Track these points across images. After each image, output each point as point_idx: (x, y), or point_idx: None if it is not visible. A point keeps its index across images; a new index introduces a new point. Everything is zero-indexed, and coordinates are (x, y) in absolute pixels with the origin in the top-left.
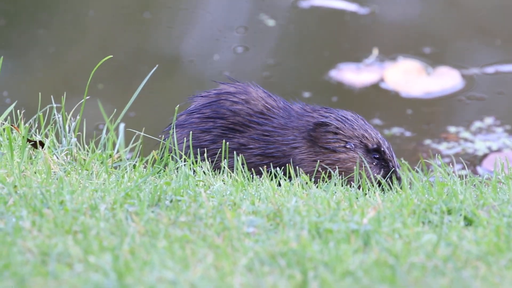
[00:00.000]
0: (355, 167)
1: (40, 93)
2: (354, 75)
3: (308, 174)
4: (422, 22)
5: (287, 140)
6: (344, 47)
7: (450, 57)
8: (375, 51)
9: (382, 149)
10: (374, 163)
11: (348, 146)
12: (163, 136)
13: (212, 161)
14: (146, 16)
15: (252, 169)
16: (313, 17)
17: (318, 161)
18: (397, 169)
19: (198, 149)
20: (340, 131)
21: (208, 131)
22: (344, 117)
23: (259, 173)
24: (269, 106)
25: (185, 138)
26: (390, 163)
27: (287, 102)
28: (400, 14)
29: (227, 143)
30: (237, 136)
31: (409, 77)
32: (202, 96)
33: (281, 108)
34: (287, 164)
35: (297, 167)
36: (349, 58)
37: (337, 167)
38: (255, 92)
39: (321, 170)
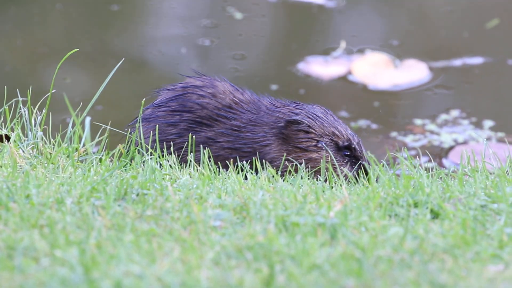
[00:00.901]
0: (327, 164)
1: (6, 87)
2: (321, 67)
3: (280, 173)
4: (389, 15)
5: (258, 137)
6: (312, 40)
7: (417, 49)
8: (343, 44)
9: (353, 146)
10: (345, 161)
11: (319, 145)
12: (129, 129)
13: (178, 155)
14: (113, 9)
15: (220, 162)
16: (281, 10)
17: (289, 159)
18: (366, 165)
19: (165, 143)
20: (312, 130)
21: (174, 125)
22: (315, 114)
23: (228, 166)
24: (237, 100)
25: (151, 132)
26: (361, 159)
27: (255, 95)
28: (368, 7)
29: (194, 136)
30: (204, 130)
31: (376, 70)
32: (168, 90)
33: (250, 102)
34: (254, 158)
35: (265, 162)
36: (317, 51)
37: (309, 166)
38: (222, 85)
39: (292, 169)
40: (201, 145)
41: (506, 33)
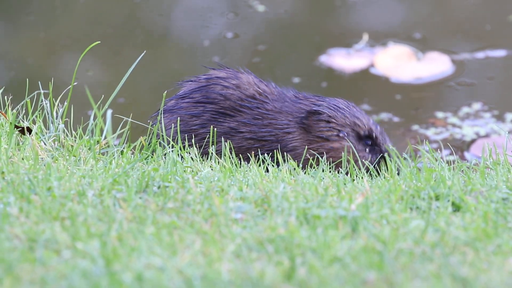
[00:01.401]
0: (348, 156)
1: (27, 79)
2: (344, 60)
3: (301, 163)
4: (412, 7)
5: (281, 124)
6: (334, 32)
7: (440, 42)
8: (365, 37)
9: (374, 135)
10: (367, 150)
11: (341, 135)
12: (151, 122)
13: (200, 146)
14: (136, 1)
15: (241, 154)
16: (303, 2)
17: (312, 149)
18: (387, 156)
19: (187, 134)
20: (333, 120)
21: (197, 116)
22: (336, 105)
23: (249, 158)
24: (260, 91)
25: (173, 123)
26: (383, 148)
27: (279, 87)
28: None
29: (215, 129)
30: (228, 121)
31: (399, 63)
32: (191, 81)
33: (274, 94)
34: (276, 150)
35: (286, 154)
36: (339, 43)
37: (331, 156)
38: (246, 77)
39: (314, 160)
40: (222, 137)
41: None
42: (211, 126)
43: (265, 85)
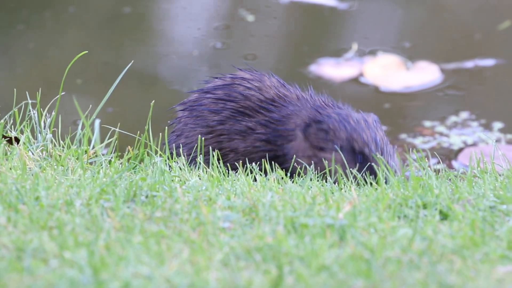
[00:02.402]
0: (338, 168)
1: (15, 89)
2: (333, 69)
3: (298, 168)
4: (401, 16)
5: (288, 130)
6: (324, 42)
7: (429, 51)
8: (355, 46)
9: (366, 153)
10: (356, 166)
11: (335, 147)
12: (170, 121)
13: (217, 142)
14: (126, 11)
15: (253, 154)
16: (293, 12)
17: (307, 157)
18: (377, 169)
19: (205, 129)
20: (331, 131)
21: (217, 112)
22: (343, 118)
23: (259, 160)
24: (281, 94)
25: (191, 123)
26: (373, 168)
27: (302, 92)
28: (380, 9)
29: (203, 138)
30: (246, 120)
31: (388, 72)
32: (217, 79)
33: (294, 98)
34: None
35: (288, 160)
36: (329, 53)
37: (320, 166)
38: (269, 80)
39: (301, 168)
40: (237, 135)
41: None
42: (199, 136)
43: (286, 89)
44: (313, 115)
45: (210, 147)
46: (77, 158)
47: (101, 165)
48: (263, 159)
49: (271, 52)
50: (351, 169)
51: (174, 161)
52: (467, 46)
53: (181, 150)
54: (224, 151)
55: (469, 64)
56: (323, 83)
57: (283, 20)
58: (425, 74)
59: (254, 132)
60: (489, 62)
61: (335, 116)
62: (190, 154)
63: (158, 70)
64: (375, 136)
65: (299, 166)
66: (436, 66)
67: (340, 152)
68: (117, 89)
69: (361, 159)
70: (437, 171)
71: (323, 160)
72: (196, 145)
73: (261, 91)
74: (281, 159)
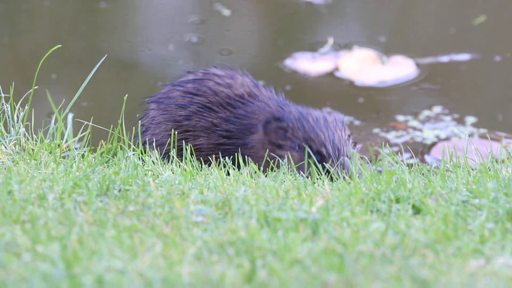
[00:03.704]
0: (295, 167)
1: None
2: (309, 64)
3: (262, 166)
4: (376, 11)
5: (251, 125)
6: (299, 36)
7: (405, 46)
8: (330, 41)
9: (324, 153)
10: (314, 165)
11: (292, 145)
12: (139, 114)
13: (184, 138)
14: (101, 6)
15: (216, 151)
16: (269, 6)
17: (264, 153)
18: (332, 171)
19: (171, 124)
20: (290, 129)
21: (184, 107)
22: (303, 117)
23: (223, 156)
24: (250, 93)
25: (160, 115)
26: (331, 167)
27: (272, 93)
28: (355, 3)
29: (176, 132)
30: (212, 116)
31: (363, 66)
32: (189, 72)
33: (262, 98)
34: (237, 153)
35: (248, 155)
36: (304, 47)
37: (279, 163)
38: (242, 79)
39: (273, 163)
40: (202, 132)
41: (493, 30)
42: (172, 130)
43: (257, 89)
44: (276, 111)
45: (177, 144)
46: (50, 152)
47: (74, 159)
48: (226, 157)
49: (247, 46)
50: (304, 171)
51: (148, 155)
52: (443, 40)
53: (147, 146)
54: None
55: (444, 58)
56: (299, 78)
57: (259, 15)
58: (400, 69)
59: (217, 128)
60: (464, 56)
61: (295, 114)
62: (162, 151)
63: (133, 64)
64: (333, 136)
65: (257, 160)
66: (411, 60)
67: (300, 152)
68: (92, 83)
69: (318, 159)
70: (410, 166)
71: (280, 157)
72: (162, 140)
73: (231, 88)
74: (241, 150)
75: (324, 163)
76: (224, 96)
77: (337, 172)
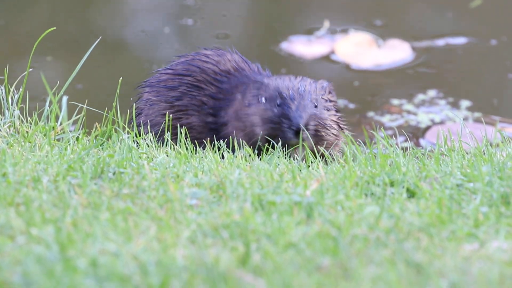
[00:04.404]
0: (259, 119)
1: None
2: (305, 47)
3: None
4: None
5: (233, 97)
6: (295, 19)
7: (401, 29)
8: (326, 24)
9: (285, 95)
10: (275, 110)
11: (260, 100)
12: (133, 98)
13: (177, 118)
14: None
15: (207, 131)
16: None
17: (239, 116)
18: (291, 114)
19: (165, 104)
20: (263, 86)
21: (174, 89)
22: (278, 76)
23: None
24: (237, 67)
25: (153, 98)
26: (288, 108)
27: (261, 69)
28: None
29: (171, 115)
30: (200, 94)
31: (359, 50)
32: (181, 56)
33: (248, 72)
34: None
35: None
36: (300, 30)
37: (247, 121)
38: (231, 55)
39: (241, 124)
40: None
41: (490, 13)
42: (167, 113)
43: (246, 64)
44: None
45: (170, 123)
46: (45, 135)
47: (69, 141)
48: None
49: (243, 29)
50: (267, 115)
51: (142, 138)
52: (439, 24)
53: (142, 128)
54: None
55: (441, 42)
56: (294, 61)
57: None
58: (396, 52)
59: (205, 106)
60: (460, 40)
61: (274, 77)
62: (151, 132)
63: (128, 47)
64: (302, 88)
65: (231, 135)
66: (407, 44)
67: (267, 104)
68: (87, 65)
69: (280, 102)
70: (404, 149)
71: (248, 114)
72: (156, 120)
73: (218, 64)
74: (219, 128)
75: (285, 105)
76: (211, 72)
77: (298, 116)
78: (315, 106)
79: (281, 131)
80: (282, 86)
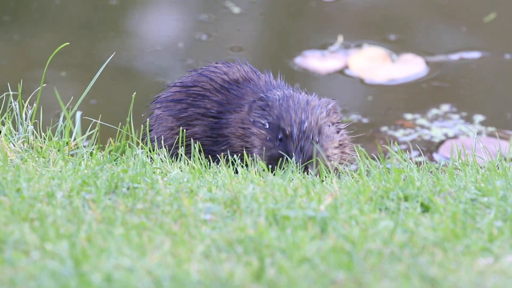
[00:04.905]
0: (259, 144)
1: None
2: (319, 62)
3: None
4: (387, 9)
5: (239, 106)
6: (309, 34)
7: (415, 44)
8: (340, 38)
9: (287, 132)
10: (276, 144)
11: (263, 123)
12: (144, 114)
13: (185, 129)
14: (112, 3)
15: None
16: (279, 4)
17: (242, 128)
18: (294, 154)
19: (172, 118)
20: (268, 108)
21: (181, 101)
22: (284, 97)
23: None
24: (246, 77)
25: (161, 114)
26: (290, 149)
27: (272, 79)
28: (365, 1)
29: (184, 130)
30: (205, 102)
31: (373, 64)
32: (191, 71)
33: (260, 82)
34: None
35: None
36: (314, 45)
37: (248, 140)
38: (240, 66)
39: (245, 142)
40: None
41: (504, 27)
42: (181, 128)
43: (255, 75)
44: (265, 92)
45: (176, 138)
46: (59, 150)
47: (83, 157)
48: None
49: (257, 44)
50: (267, 148)
51: (156, 153)
52: (453, 39)
53: (155, 144)
54: (188, 140)
55: (455, 56)
56: (309, 75)
57: (269, 12)
58: (410, 67)
59: (210, 111)
60: (474, 54)
61: (279, 95)
62: (162, 148)
63: (143, 62)
64: (305, 118)
65: (236, 140)
66: (421, 58)
67: (269, 130)
68: (102, 81)
69: (281, 136)
70: (418, 164)
71: (252, 135)
72: (164, 138)
73: (227, 74)
74: (222, 130)
75: (286, 143)
76: (220, 80)
77: (298, 155)
78: (317, 142)
79: (279, 164)
80: (285, 118)
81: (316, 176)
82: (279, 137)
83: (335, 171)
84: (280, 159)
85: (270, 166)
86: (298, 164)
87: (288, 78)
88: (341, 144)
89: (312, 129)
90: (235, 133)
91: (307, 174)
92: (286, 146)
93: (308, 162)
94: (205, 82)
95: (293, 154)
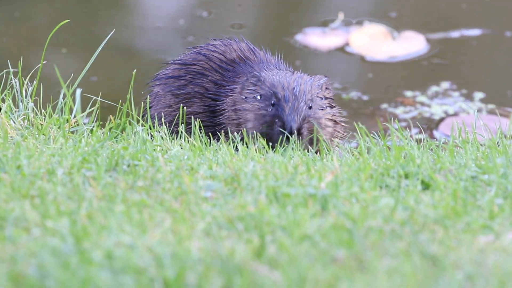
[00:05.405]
0: (253, 117)
1: None
2: (319, 39)
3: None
4: None
5: (234, 86)
6: (310, 11)
7: (415, 21)
8: (341, 15)
9: (280, 96)
10: (268, 110)
11: (255, 97)
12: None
13: (183, 107)
14: None
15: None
16: None
17: (236, 109)
18: (285, 118)
19: (170, 94)
20: (260, 82)
21: (180, 78)
22: (276, 72)
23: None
24: (242, 57)
25: (160, 92)
26: (282, 111)
27: (269, 57)
28: None
29: (185, 108)
30: (204, 81)
31: (374, 42)
32: (190, 48)
33: (255, 61)
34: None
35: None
36: (315, 22)
37: (242, 116)
38: (237, 44)
39: (239, 119)
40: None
41: (505, 5)
42: (181, 105)
43: (252, 53)
44: (256, 71)
45: (173, 114)
46: (59, 127)
47: (83, 134)
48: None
49: (258, 21)
50: (261, 114)
51: (156, 131)
52: (454, 16)
53: (155, 121)
54: (187, 118)
55: (455, 34)
56: (309, 53)
57: None
58: (411, 44)
59: (208, 92)
60: (475, 32)
61: (271, 71)
62: (161, 125)
63: (143, 39)
64: (298, 85)
65: (229, 121)
66: (422, 36)
67: (262, 101)
68: (102, 58)
69: (274, 102)
70: (418, 141)
71: (244, 110)
72: (163, 115)
73: (225, 53)
74: (217, 113)
75: (279, 106)
76: (217, 60)
77: (291, 116)
78: (310, 108)
79: (273, 132)
80: (277, 85)
81: (316, 153)
82: (272, 102)
83: (317, 152)
84: (274, 123)
85: (267, 137)
86: (292, 124)
87: (288, 55)
88: (334, 120)
89: (305, 94)
90: (229, 118)
91: (307, 151)
92: (279, 108)
93: (308, 137)
94: (204, 61)
95: (287, 115)
